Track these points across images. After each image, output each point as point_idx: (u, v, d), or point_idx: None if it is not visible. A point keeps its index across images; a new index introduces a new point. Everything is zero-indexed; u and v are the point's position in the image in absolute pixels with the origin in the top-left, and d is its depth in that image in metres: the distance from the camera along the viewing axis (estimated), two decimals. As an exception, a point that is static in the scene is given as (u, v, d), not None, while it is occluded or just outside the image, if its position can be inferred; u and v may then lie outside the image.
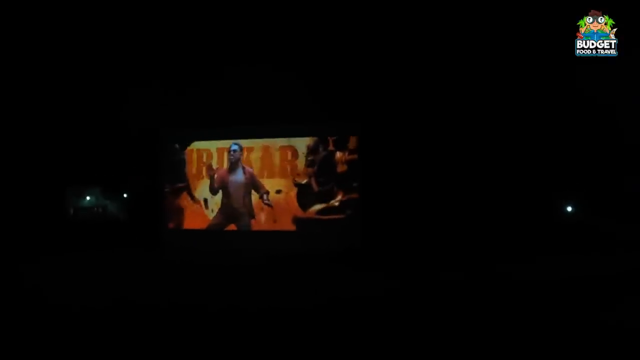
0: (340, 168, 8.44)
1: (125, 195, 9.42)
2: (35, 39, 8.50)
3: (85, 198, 9.51)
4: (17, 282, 6.02)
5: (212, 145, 9.09)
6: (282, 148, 8.71)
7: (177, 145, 9.25)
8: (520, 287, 5.22)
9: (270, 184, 8.73)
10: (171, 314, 4.37)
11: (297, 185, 8.59)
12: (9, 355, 3.43)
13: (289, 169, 8.66)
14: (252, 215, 8.81)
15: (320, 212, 8.49)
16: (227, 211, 8.91)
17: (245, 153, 8.89)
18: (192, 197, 9.11)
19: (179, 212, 9.19)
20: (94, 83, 8.89)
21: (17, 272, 6.78)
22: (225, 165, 8.99)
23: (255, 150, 8.84)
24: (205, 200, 9.05)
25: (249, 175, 8.84)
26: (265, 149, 8.79)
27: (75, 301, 4.88)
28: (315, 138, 8.58)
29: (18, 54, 8.68)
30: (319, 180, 8.50)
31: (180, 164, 9.19)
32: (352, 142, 8.44)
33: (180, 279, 6.31)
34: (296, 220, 8.59)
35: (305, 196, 8.54)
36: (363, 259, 7.50)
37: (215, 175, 8.99)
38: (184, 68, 8.55)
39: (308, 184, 8.55)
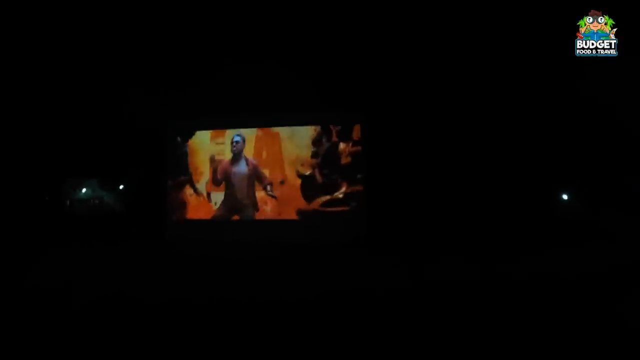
0: (345, 160, 8.42)
1: (121, 187, 9.27)
2: (33, 33, 8.45)
3: (81, 190, 9.34)
4: (17, 277, 5.82)
5: (215, 136, 8.99)
6: (286, 139, 8.66)
7: (179, 138, 9.15)
8: (519, 285, 5.13)
9: (273, 175, 8.65)
10: (175, 308, 4.26)
11: (301, 176, 8.53)
12: (10, 355, 3.32)
13: (292, 160, 8.61)
14: (255, 207, 8.69)
15: (324, 204, 8.43)
16: (231, 203, 8.78)
17: (247, 144, 8.82)
18: (195, 189, 8.98)
19: (182, 204, 9.03)
20: (93, 74, 8.75)
21: (16, 266, 6.57)
22: (228, 156, 8.90)
23: (258, 140, 8.77)
24: (209, 193, 8.92)
25: (252, 166, 8.75)
26: (269, 139, 8.74)
27: (78, 298, 4.70)
28: (318, 129, 8.55)
29: (17, 48, 8.62)
30: (323, 171, 8.46)
31: (183, 156, 9.07)
32: (356, 132, 8.43)
33: (184, 271, 6.17)
34: (300, 212, 8.49)
35: (309, 188, 8.47)
36: (368, 252, 7.40)
37: (218, 167, 8.89)
38: (185, 58, 8.43)
39: (312, 175, 8.50)
